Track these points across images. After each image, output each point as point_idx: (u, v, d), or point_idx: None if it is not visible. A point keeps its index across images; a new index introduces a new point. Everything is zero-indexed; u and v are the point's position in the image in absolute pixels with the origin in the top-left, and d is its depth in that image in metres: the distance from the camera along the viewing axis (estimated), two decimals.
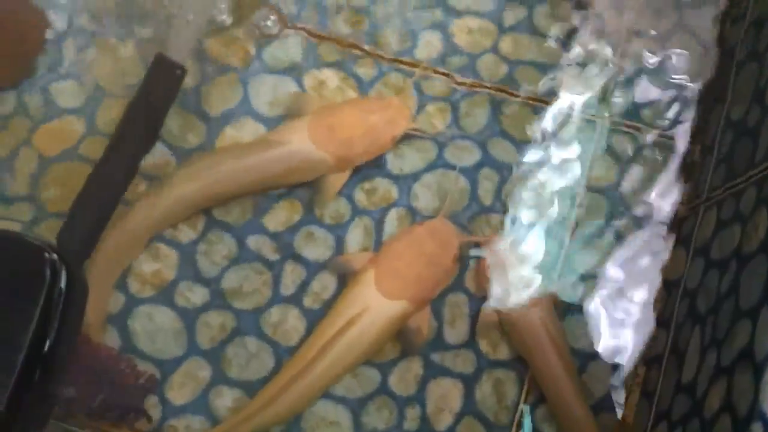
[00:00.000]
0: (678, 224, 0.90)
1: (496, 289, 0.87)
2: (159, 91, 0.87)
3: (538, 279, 0.88)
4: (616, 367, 0.86)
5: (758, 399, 0.52)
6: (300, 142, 0.88)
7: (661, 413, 0.74)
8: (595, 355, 0.87)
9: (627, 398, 0.84)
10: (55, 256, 0.66)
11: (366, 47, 0.99)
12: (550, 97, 0.97)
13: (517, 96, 0.97)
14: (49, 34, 0.98)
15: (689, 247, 0.82)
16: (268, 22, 0.97)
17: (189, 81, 0.95)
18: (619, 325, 0.87)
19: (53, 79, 0.97)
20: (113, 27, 0.98)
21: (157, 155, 0.95)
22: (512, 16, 1.01)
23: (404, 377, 0.88)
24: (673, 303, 0.81)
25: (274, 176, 0.90)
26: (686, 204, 0.90)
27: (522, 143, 0.95)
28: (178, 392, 0.87)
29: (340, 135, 0.89)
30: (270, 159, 0.89)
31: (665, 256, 0.89)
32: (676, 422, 0.68)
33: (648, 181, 0.93)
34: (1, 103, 0.96)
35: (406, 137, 0.94)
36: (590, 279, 0.90)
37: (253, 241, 0.93)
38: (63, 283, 0.66)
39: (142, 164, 0.93)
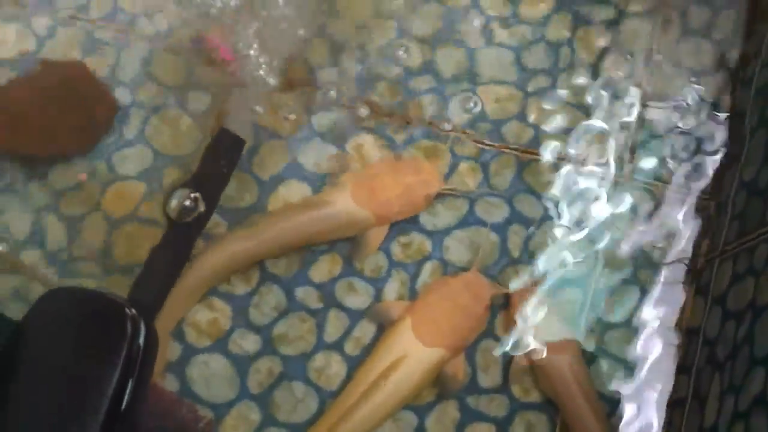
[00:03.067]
0: (697, 275, 0.96)
1: (524, 336, 0.93)
2: (222, 162, 0.98)
3: (565, 327, 0.94)
4: (640, 411, 0.91)
5: None
6: (344, 203, 0.97)
7: None
8: (621, 399, 0.92)
9: None
10: (134, 311, 0.73)
11: (403, 113, 1.09)
12: (573, 156, 1.05)
13: (541, 156, 1.05)
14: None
15: (707, 297, 0.88)
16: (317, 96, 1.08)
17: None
18: (643, 370, 0.93)
19: (119, 147, 1.08)
20: (173, 99, 1.10)
21: (213, 218, 1.04)
22: (534, 83, 1.10)
23: (441, 420, 0.94)
24: (694, 350, 0.86)
25: (320, 233, 0.99)
26: (704, 257, 0.96)
27: (547, 200, 1.03)
28: None
29: (379, 195, 0.98)
30: (317, 218, 0.98)
31: (685, 305, 0.94)
32: None
33: (667, 236, 1.00)
34: (72, 168, 1.07)
35: (440, 196, 1.03)
36: (615, 327, 0.96)
37: (300, 292, 1.01)
38: (142, 339, 0.72)
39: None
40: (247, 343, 0.99)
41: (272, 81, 1.06)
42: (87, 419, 0.66)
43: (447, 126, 1.07)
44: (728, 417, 0.69)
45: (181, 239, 0.96)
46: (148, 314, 0.86)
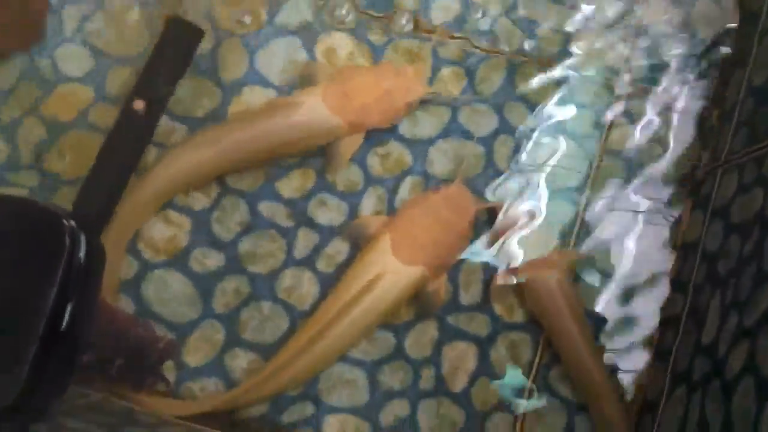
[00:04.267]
0: (695, 188, 0.90)
1: (510, 253, 0.87)
2: (174, 56, 0.85)
3: (553, 241, 0.88)
4: (629, 328, 0.87)
5: None
6: (315, 107, 0.87)
7: (679, 375, 0.75)
8: (610, 317, 0.88)
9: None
10: (73, 223, 0.64)
11: (379, 13, 0.97)
12: (566, 60, 0.96)
13: (533, 59, 0.96)
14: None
15: (707, 210, 0.82)
16: None
17: (201, 46, 0.93)
18: (633, 287, 0.88)
19: (59, 44, 0.94)
20: None
21: (167, 123, 0.93)
22: None
23: (419, 340, 0.89)
24: (691, 266, 0.81)
25: (287, 142, 0.89)
26: (704, 168, 0.90)
27: (538, 107, 0.95)
28: (194, 355, 0.88)
29: (355, 100, 0.87)
30: (284, 124, 0.87)
31: (682, 219, 0.89)
32: (696, 383, 0.69)
33: (664, 144, 0.93)
34: (12, 67, 0.93)
35: (421, 103, 0.93)
36: (605, 242, 0.90)
37: (266, 207, 0.92)
38: (83, 254, 0.64)
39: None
40: (210, 260, 0.91)
41: None
42: (20, 341, 0.58)
43: (430, 26, 0.96)
44: (730, 334, 0.64)
45: (129, 145, 0.85)
46: (92, 227, 0.76)
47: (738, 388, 0.59)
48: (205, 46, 0.93)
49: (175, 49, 0.85)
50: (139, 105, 0.86)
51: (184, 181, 0.89)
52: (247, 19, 0.95)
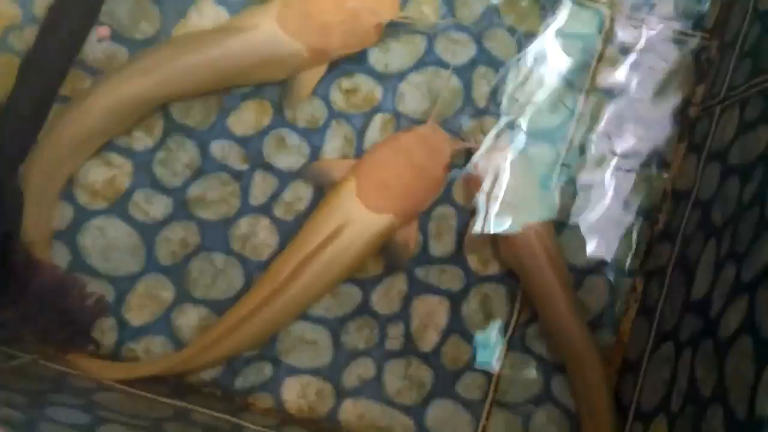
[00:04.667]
0: (689, 128, 0.83)
1: (488, 201, 0.79)
2: None
3: (534, 187, 0.80)
4: (615, 281, 0.81)
5: None
6: (268, 30, 0.75)
7: (665, 333, 0.69)
8: (591, 270, 0.82)
9: (624, 314, 0.80)
10: None
11: None
12: None
13: None
14: None
15: (701, 153, 0.75)
16: None
17: None
18: (615, 235, 0.82)
19: None
20: None
21: (104, 46, 0.81)
22: None
23: (387, 294, 0.82)
24: (682, 214, 0.75)
25: (237, 70, 0.77)
26: (700, 105, 0.82)
27: (523, 36, 0.85)
28: (137, 312, 0.79)
29: (315, 21, 0.76)
30: (233, 49, 0.76)
31: (673, 164, 0.82)
32: (685, 342, 0.63)
33: (657, 80, 0.85)
34: None
35: (392, 27, 0.82)
36: (586, 188, 0.83)
37: (218, 148, 0.82)
38: None
39: (87, 58, 0.80)
40: (154, 206, 0.81)
41: None
42: None
43: None
44: (726, 290, 0.58)
45: (48, 65, 0.73)
46: (5, 161, 0.66)
47: (733, 350, 0.54)
48: None
49: None
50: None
51: (122, 114, 0.78)
52: None
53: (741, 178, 0.63)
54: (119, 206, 0.81)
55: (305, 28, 0.76)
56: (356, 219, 0.74)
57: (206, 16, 0.82)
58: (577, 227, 0.82)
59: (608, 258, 0.82)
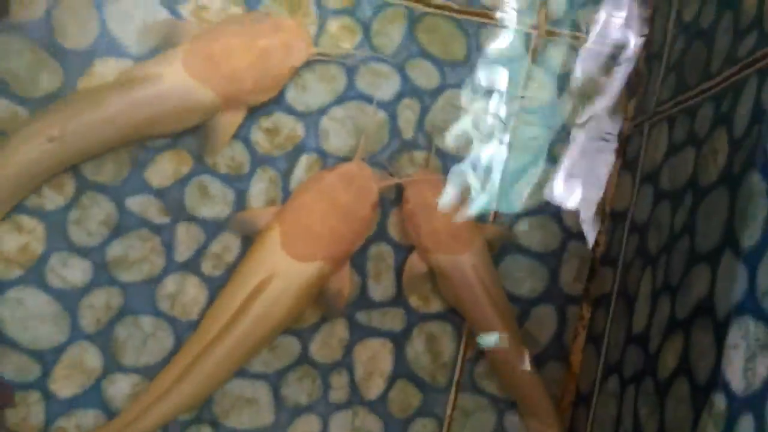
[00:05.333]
0: (623, 145, 0.80)
1: (424, 235, 0.76)
2: None
3: (469, 219, 0.77)
4: (562, 310, 0.78)
5: (720, 365, 0.44)
6: (174, 77, 0.71)
7: (612, 366, 0.66)
8: (536, 299, 0.79)
9: (573, 342, 0.77)
10: None
11: None
12: (475, 7, 0.82)
13: (437, 7, 0.82)
14: None
15: (635, 173, 0.73)
16: None
17: (37, 8, 0.76)
18: (558, 262, 0.79)
19: None
20: None
21: (5, 106, 0.76)
22: None
23: (327, 342, 0.78)
24: (620, 237, 0.72)
25: (147, 122, 0.73)
26: (630, 121, 0.79)
27: (446, 63, 0.81)
28: (64, 384, 0.75)
29: (224, 65, 0.72)
30: (140, 101, 0.71)
31: (609, 183, 0.79)
32: (629, 379, 0.60)
33: (588, 96, 0.82)
34: None
35: (308, 64, 0.78)
36: (526, 216, 0.80)
37: (135, 203, 0.78)
38: None
39: None
40: (72, 271, 0.76)
41: None
42: None
43: None
44: (663, 324, 0.55)
45: None
46: None
47: (671, 392, 0.51)
48: (38, 7, 0.76)
49: None
50: None
51: (27, 179, 0.73)
52: None
53: (672, 204, 0.60)
54: (35, 273, 0.76)
55: (213, 72, 0.72)
56: (282, 270, 0.70)
57: (111, 66, 0.78)
58: (519, 255, 0.79)
59: (552, 285, 0.79)
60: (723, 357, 0.44)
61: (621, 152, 0.79)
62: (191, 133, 0.77)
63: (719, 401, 0.43)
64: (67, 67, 0.77)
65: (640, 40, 0.80)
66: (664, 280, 0.57)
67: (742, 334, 0.43)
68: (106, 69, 0.78)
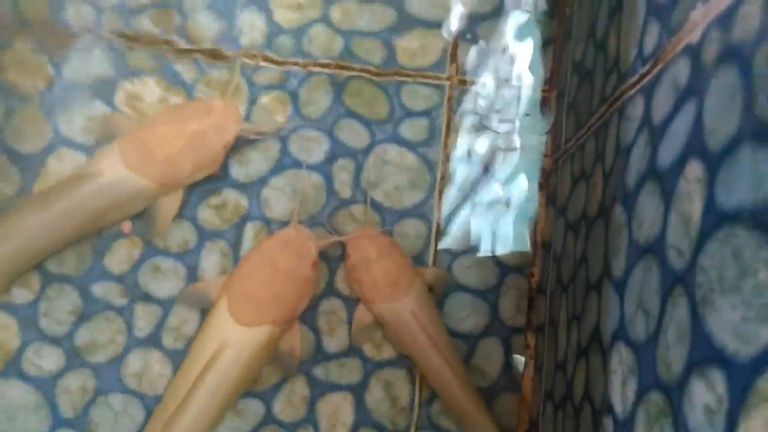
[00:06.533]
0: (544, 180, 0.84)
1: (366, 287, 0.80)
2: None
3: (408, 264, 0.81)
4: (507, 341, 0.81)
5: (606, 389, 0.47)
6: (113, 172, 0.77)
7: (548, 392, 0.69)
8: (482, 333, 0.82)
9: (525, 371, 0.80)
10: None
11: (180, 43, 0.87)
12: (391, 67, 0.88)
13: (356, 71, 0.88)
14: None
15: (554, 206, 0.76)
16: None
17: None
18: (498, 296, 0.82)
19: None
20: None
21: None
22: None
23: (290, 401, 0.81)
24: (547, 267, 0.75)
25: (95, 215, 0.79)
26: (550, 157, 0.83)
27: (373, 122, 0.87)
28: None
29: (157, 154, 0.78)
30: (86, 196, 0.77)
31: (539, 215, 0.83)
32: (558, 404, 0.63)
33: (512, 135, 0.86)
34: None
35: (242, 140, 0.84)
36: (465, 254, 0.84)
37: (98, 288, 0.83)
38: None
39: None
40: (46, 360, 0.81)
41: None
42: None
43: (236, 49, 0.87)
44: (574, 352, 0.58)
45: None
46: None
47: (582, 416, 0.53)
48: None
49: None
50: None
51: None
52: (34, 74, 0.84)
53: (574, 235, 0.64)
54: (13, 366, 0.81)
55: (149, 162, 0.77)
56: (233, 337, 0.75)
57: (65, 160, 0.84)
58: (460, 293, 0.82)
59: (495, 318, 0.82)
60: (608, 382, 0.47)
61: (545, 186, 0.83)
62: (140, 217, 0.83)
63: (607, 424, 0.46)
64: (23, 169, 0.84)
65: (552, 82, 0.85)
66: (573, 309, 0.60)
67: (618, 360, 0.46)
68: (61, 163, 0.84)
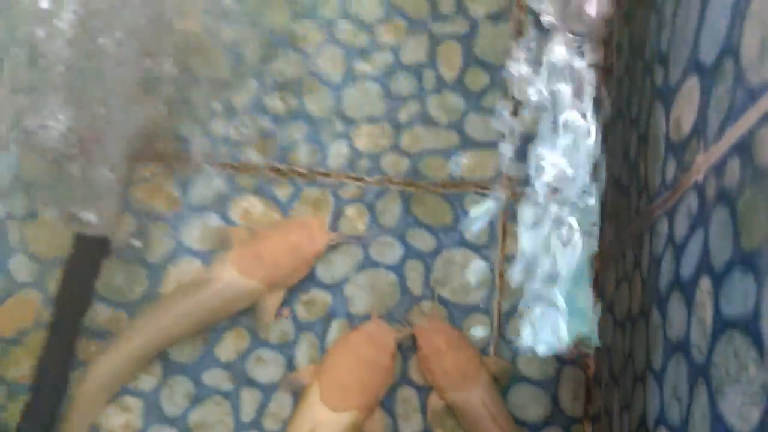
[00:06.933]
0: (595, 279, 0.94)
1: (438, 376, 0.90)
2: (84, 267, 0.94)
3: (476, 355, 0.91)
4: (568, 430, 0.88)
5: None
6: (228, 277, 0.94)
7: None
8: (544, 422, 0.89)
9: None
10: None
11: (281, 167, 1.06)
12: (454, 180, 1.03)
13: (423, 187, 1.03)
14: None
15: (604, 301, 0.86)
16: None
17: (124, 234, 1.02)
18: (557, 386, 0.90)
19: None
20: (47, 202, 1.06)
21: (107, 313, 1.00)
22: (405, 112, 1.07)
23: None
24: (601, 360, 0.84)
25: (213, 313, 0.95)
26: (597, 258, 0.94)
27: (438, 229, 1.01)
28: None
29: (265, 262, 0.94)
30: (205, 296, 0.94)
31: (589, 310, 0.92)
32: None
33: (565, 238, 0.98)
34: None
35: (333, 246, 1.00)
36: (524, 345, 0.94)
37: (209, 376, 0.97)
38: None
39: (94, 323, 0.99)
40: None
41: (137, 160, 1.02)
42: None
43: (326, 171, 1.04)
44: None
45: (57, 350, 0.92)
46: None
47: None
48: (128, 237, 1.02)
49: (84, 264, 0.94)
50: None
51: (129, 368, 0.95)
52: (165, 196, 1.04)
53: (622, 331, 0.73)
54: None
55: (258, 267, 0.94)
56: (324, 421, 0.86)
57: (183, 269, 1.02)
58: (522, 384, 0.91)
59: (555, 408, 0.90)
60: None
61: (595, 285, 0.93)
62: (245, 313, 0.98)
63: None
64: (150, 273, 1.02)
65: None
66: (623, 398, 0.69)
67: None
68: (180, 271, 1.02)
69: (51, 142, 0.98)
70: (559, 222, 0.98)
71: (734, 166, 0.48)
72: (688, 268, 0.55)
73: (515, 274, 0.97)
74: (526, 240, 0.98)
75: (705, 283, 0.51)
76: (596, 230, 0.96)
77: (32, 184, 1.04)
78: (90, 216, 0.95)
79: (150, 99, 1.01)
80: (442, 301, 0.97)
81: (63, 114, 0.98)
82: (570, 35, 1.02)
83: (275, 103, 1.07)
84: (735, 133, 0.49)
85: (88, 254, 0.95)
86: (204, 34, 1.05)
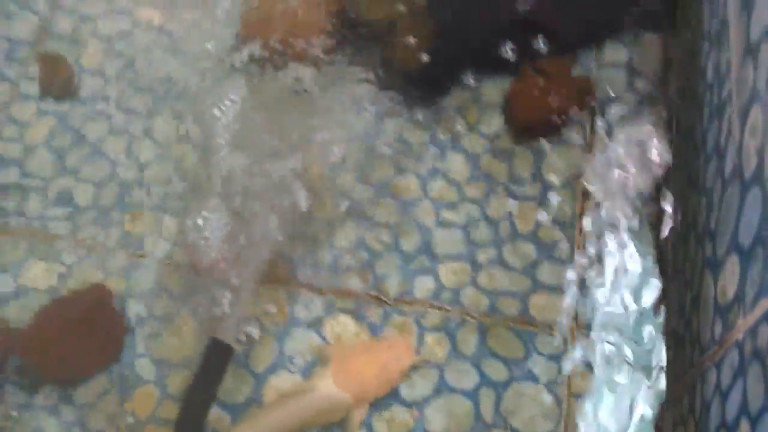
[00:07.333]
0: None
1: None
2: (212, 368, 1.12)
3: None
4: None
5: None
6: (326, 390, 1.08)
7: None
8: None
9: None
10: None
11: (375, 293, 1.23)
12: (526, 319, 1.16)
13: (499, 321, 1.17)
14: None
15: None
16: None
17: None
18: None
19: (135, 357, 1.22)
20: (179, 309, 1.26)
21: (218, 413, 1.16)
22: (484, 255, 1.25)
23: None
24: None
25: (310, 419, 1.09)
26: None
27: (510, 361, 1.13)
28: None
29: (358, 378, 1.09)
30: (306, 406, 1.09)
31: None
32: None
33: (630, 384, 1.08)
34: (94, 384, 1.20)
35: (415, 367, 1.13)
36: None
37: None
38: None
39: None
40: None
41: (258, 283, 1.22)
42: None
43: (412, 300, 1.21)
44: None
45: None
46: None
47: None
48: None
49: (212, 366, 1.12)
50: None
51: None
52: (274, 314, 1.22)
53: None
54: None
55: (351, 383, 1.09)
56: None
57: (284, 381, 1.17)
58: None
59: None
60: None
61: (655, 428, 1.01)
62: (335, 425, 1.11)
63: None
64: (257, 379, 1.17)
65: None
66: None
67: None
68: (279, 381, 1.17)
69: (203, 247, 1.21)
70: (621, 365, 1.08)
71: (765, 331, 0.61)
72: (731, 412, 0.66)
73: (582, 408, 1.07)
74: (592, 380, 1.09)
75: (744, 426, 0.62)
76: (655, 375, 1.05)
77: (171, 289, 1.25)
78: (251, 329, 1.15)
79: (281, 228, 1.23)
80: (513, 430, 1.07)
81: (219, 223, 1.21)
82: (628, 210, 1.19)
83: (373, 239, 1.27)
84: (765, 305, 0.63)
85: (218, 358, 1.13)
86: (326, 181, 1.30)
